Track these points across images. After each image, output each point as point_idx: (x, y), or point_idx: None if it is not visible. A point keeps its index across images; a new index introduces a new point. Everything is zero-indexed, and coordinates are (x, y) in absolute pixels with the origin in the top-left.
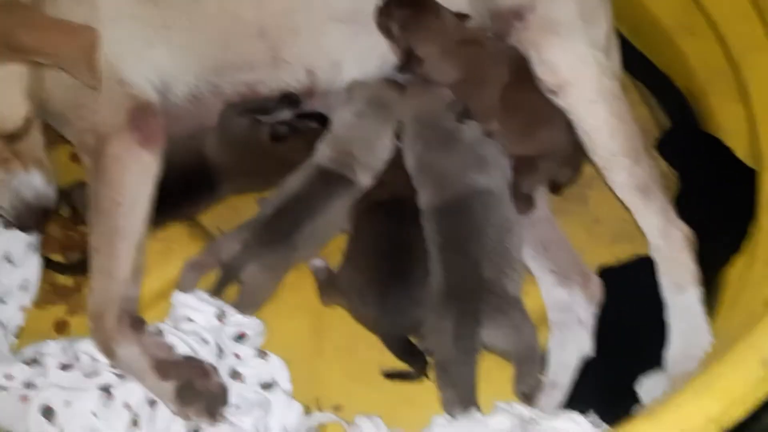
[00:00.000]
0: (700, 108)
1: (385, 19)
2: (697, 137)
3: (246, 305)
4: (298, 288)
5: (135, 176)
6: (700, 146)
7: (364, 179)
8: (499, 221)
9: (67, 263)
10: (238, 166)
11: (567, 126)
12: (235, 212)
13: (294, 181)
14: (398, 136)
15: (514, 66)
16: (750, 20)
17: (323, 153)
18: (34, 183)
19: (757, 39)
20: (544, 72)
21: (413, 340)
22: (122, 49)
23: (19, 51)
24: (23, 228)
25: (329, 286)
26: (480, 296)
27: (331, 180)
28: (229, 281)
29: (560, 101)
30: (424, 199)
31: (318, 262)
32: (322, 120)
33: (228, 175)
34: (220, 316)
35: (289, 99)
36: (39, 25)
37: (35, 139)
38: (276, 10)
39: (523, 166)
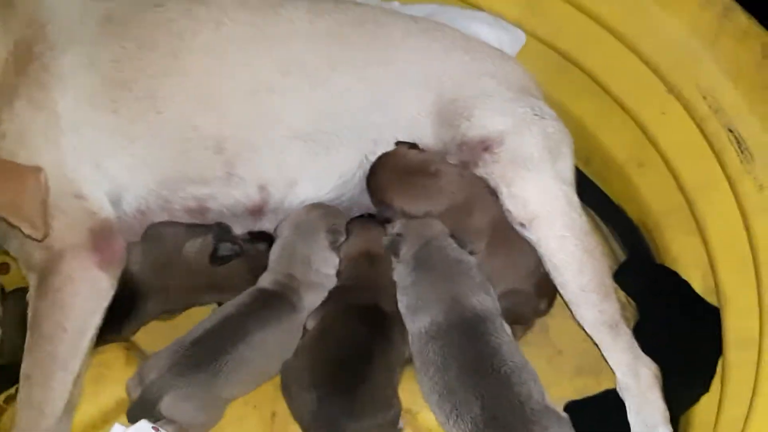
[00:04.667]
0: (655, 241)
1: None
2: (654, 269)
3: None
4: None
5: (87, 301)
6: (658, 278)
7: (311, 300)
8: (507, 339)
9: None
10: (165, 283)
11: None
12: (175, 331)
13: (230, 304)
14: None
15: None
16: (704, 156)
17: (265, 278)
18: None
19: (712, 174)
20: (514, 205)
21: None
22: (80, 160)
23: None
24: None
25: None
26: (527, 418)
27: (271, 302)
28: (146, 413)
29: (530, 235)
30: (425, 319)
31: None
32: (270, 241)
33: (153, 292)
34: None
35: (221, 228)
36: None
37: None
38: (236, 124)
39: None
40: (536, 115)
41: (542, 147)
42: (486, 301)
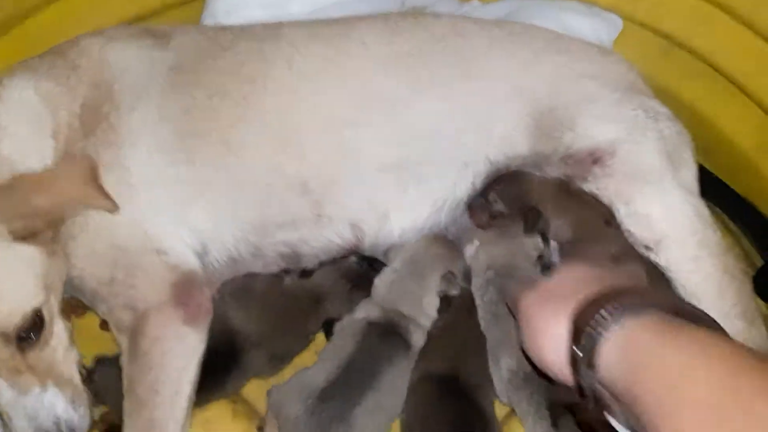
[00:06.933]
0: None
1: (483, 208)
2: None
3: None
4: None
5: (178, 360)
6: None
7: (418, 340)
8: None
9: None
10: (268, 325)
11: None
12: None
13: (347, 343)
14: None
15: None
16: None
17: (370, 309)
18: (51, 404)
19: None
20: (636, 226)
21: None
22: (158, 214)
23: (37, 216)
24: None
25: None
26: None
27: (388, 337)
28: None
29: (658, 259)
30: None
31: None
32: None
33: (254, 342)
34: None
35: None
36: (46, 182)
37: (60, 350)
38: (319, 162)
39: None
40: (649, 117)
41: (661, 154)
42: None
